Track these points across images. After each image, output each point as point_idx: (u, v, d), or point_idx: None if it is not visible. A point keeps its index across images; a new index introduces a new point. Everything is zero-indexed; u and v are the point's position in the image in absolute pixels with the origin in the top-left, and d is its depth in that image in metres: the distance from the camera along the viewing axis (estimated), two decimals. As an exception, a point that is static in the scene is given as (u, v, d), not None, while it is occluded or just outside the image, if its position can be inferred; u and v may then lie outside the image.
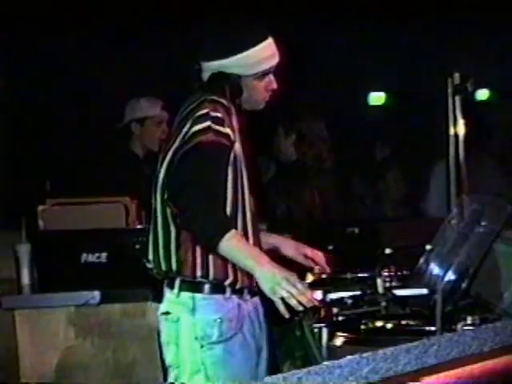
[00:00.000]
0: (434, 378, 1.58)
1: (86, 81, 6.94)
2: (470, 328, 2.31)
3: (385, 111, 7.70)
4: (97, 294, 3.88)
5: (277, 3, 6.44)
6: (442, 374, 1.59)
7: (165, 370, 2.92)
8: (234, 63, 2.85)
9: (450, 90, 3.38)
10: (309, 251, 3.17)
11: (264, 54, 2.88)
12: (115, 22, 6.77)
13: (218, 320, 2.77)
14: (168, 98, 4.91)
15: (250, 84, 2.88)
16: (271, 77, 2.92)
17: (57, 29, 6.73)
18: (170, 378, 2.84)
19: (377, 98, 7.74)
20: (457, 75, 3.37)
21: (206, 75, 2.88)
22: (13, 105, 6.92)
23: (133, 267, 3.59)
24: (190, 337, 2.78)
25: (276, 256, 2.98)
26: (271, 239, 3.18)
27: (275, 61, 2.92)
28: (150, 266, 2.89)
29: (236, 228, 2.77)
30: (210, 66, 2.86)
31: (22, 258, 4.01)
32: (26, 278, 4.02)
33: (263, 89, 2.91)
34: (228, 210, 2.79)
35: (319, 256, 3.16)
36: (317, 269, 3.40)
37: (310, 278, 3.43)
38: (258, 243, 2.88)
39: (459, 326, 2.45)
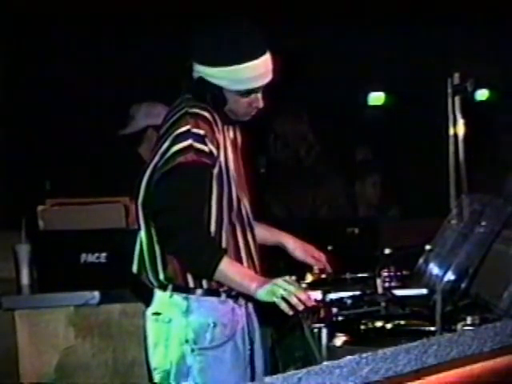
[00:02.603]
0: (433, 377, 1.58)
1: (86, 80, 6.94)
2: (470, 328, 2.31)
3: (384, 111, 7.71)
4: (96, 294, 3.87)
5: (276, 4, 6.44)
6: (441, 374, 1.59)
7: (150, 373, 2.82)
8: (217, 75, 2.67)
9: (449, 90, 3.38)
10: (315, 253, 3.17)
11: (252, 73, 2.67)
12: (117, 23, 6.77)
13: (212, 324, 2.71)
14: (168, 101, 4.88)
15: (232, 98, 2.70)
16: (258, 95, 2.73)
17: (57, 28, 6.73)
18: (156, 380, 2.76)
19: (376, 97, 7.74)
20: (456, 75, 3.36)
21: (195, 75, 2.73)
22: (12, 104, 6.92)
23: (132, 267, 3.59)
24: (181, 339, 2.72)
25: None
26: (276, 237, 3.15)
27: (265, 80, 2.71)
28: (135, 272, 2.83)
29: (220, 243, 2.71)
30: (198, 68, 2.71)
31: (21, 258, 4.01)
32: (25, 279, 4.01)
33: (247, 104, 2.73)
34: (212, 226, 2.71)
35: (323, 257, 3.17)
36: (316, 269, 3.40)
37: (309, 278, 3.43)
38: (249, 255, 2.82)
39: (459, 326, 2.45)
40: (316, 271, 3.41)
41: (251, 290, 2.61)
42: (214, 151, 2.67)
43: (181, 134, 2.64)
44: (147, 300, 2.83)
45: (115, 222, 3.99)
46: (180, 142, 2.63)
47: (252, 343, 2.88)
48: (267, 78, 2.71)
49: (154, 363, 2.78)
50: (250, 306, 2.88)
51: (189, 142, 2.62)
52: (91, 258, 3.92)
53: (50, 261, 3.94)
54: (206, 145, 2.63)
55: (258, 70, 2.68)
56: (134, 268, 2.83)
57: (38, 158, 6.84)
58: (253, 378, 2.81)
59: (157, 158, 2.68)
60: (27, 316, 3.91)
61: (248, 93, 2.70)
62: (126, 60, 7.03)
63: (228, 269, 2.62)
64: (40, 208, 4.06)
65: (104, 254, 3.92)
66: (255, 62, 2.67)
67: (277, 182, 5.04)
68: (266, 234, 3.12)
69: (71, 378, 3.91)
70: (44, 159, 6.81)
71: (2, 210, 6.21)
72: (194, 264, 2.66)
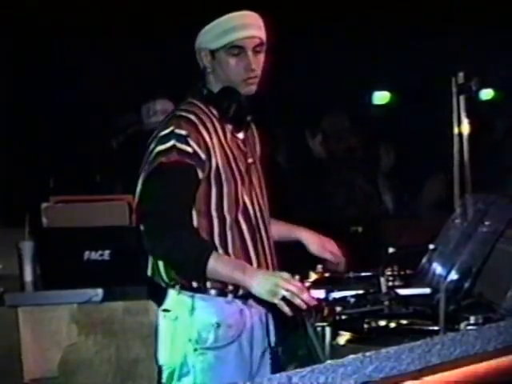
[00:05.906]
0: (437, 377, 1.58)
1: (87, 80, 6.96)
2: (474, 327, 2.31)
3: (388, 110, 7.71)
4: (100, 291, 3.88)
5: (280, 5, 6.44)
6: (445, 374, 1.59)
7: (159, 372, 2.82)
8: (204, 37, 2.75)
9: (454, 90, 3.37)
10: (334, 248, 3.13)
11: (231, 23, 2.72)
12: (118, 23, 6.79)
13: (216, 324, 2.70)
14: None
15: (223, 59, 2.73)
16: (249, 54, 2.73)
17: (57, 28, 6.74)
18: (163, 378, 2.76)
19: (381, 97, 7.75)
20: (461, 74, 3.36)
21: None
22: (16, 103, 6.93)
23: (136, 265, 3.59)
24: (185, 338, 2.71)
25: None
26: (293, 232, 3.13)
27: (247, 33, 2.73)
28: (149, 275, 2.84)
29: (226, 243, 2.72)
30: (196, 48, 2.79)
31: (25, 255, 4.02)
32: (29, 276, 4.02)
33: (239, 67, 2.73)
34: (215, 226, 2.71)
35: (339, 253, 3.13)
36: (320, 268, 3.39)
37: (312, 276, 3.42)
38: (260, 255, 2.80)
39: (462, 325, 2.44)
40: (319, 270, 3.41)
41: (246, 283, 2.60)
42: (199, 151, 2.68)
43: (165, 135, 2.68)
44: (160, 301, 2.83)
45: (119, 220, 3.99)
46: (164, 143, 2.67)
47: (269, 345, 2.87)
48: (248, 31, 2.75)
49: (161, 359, 2.79)
50: (265, 307, 2.82)
51: (172, 142, 2.66)
52: (95, 255, 3.93)
53: (54, 258, 3.95)
54: (188, 145, 2.66)
55: (233, 22, 2.74)
56: (149, 271, 2.83)
57: (41, 154, 6.85)
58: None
59: (144, 163, 2.72)
60: (30, 313, 3.91)
61: (235, 49, 2.73)
62: (128, 60, 7.05)
63: (217, 264, 2.61)
64: (44, 205, 4.06)
65: (107, 252, 3.92)
66: (235, 13, 2.75)
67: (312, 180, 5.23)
68: (281, 229, 3.10)
69: (74, 374, 3.92)
70: (48, 156, 6.82)
71: (5, 207, 6.21)
72: (182, 266, 2.66)
